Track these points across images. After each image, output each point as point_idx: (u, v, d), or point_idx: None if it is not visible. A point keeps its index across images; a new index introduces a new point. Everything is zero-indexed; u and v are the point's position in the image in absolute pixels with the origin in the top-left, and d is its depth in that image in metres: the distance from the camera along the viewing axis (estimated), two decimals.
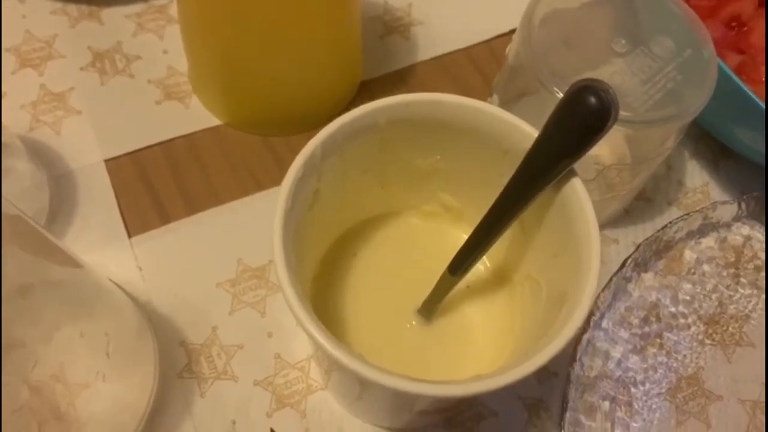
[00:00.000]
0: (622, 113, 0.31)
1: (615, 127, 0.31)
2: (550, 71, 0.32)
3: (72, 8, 0.44)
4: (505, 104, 0.37)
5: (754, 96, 0.34)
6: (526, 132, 0.27)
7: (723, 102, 0.35)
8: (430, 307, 0.31)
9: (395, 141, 0.29)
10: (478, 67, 0.45)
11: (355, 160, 0.29)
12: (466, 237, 0.33)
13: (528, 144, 0.26)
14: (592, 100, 0.23)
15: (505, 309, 0.32)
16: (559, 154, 0.25)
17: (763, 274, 0.39)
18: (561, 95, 0.32)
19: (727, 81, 0.35)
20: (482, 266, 0.33)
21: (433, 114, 0.28)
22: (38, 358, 0.26)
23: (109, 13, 0.44)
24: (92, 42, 0.43)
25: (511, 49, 0.36)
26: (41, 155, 0.39)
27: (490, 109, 0.27)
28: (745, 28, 0.40)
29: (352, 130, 0.27)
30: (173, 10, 0.44)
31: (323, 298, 0.32)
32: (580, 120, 0.24)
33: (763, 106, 0.34)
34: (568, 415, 0.32)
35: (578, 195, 0.25)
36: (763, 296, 0.38)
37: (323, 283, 0.33)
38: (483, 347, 0.32)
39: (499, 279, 0.33)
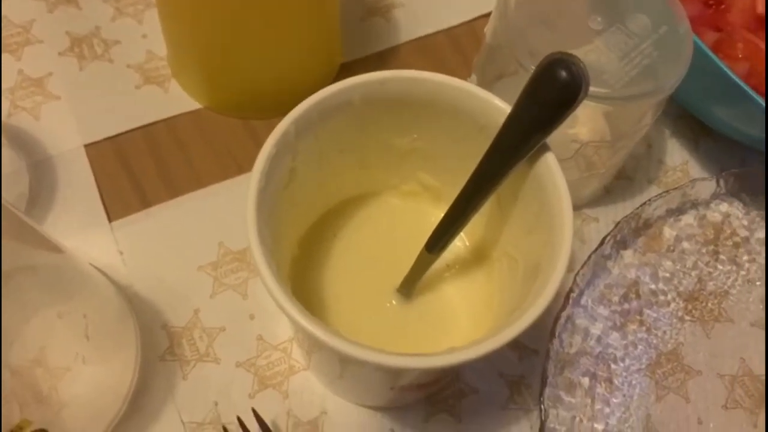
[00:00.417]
0: (599, 90, 0.31)
1: (592, 103, 0.32)
2: (527, 50, 0.32)
3: None
4: (484, 85, 0.37)
5: (731, 73, 0.35)
6: (500, 107, 0.27)
7: (700, 80, 0.35)
8: (409, 286, 0.32)
9: (371, 120, 0.29)
10: (459, 49, 0.45)
11: (332, 139, 0.29)
12: None
13: (502, 119, 0.26)
14: (563, 73, 0.23)
15: (483, 286, 0.32)
16: (532, 129, 0.25)
17: (742, 250, 0.39)
18: None
19: (704, 59, 0.35)
20: (461, 244, 0.34)
21: (409, 91, 0.28)
22: (17, 340, 0.26)
23: None
24: (70, 27, 0.42)
25: (489, 28, 0.36)
26: (20, 141, 0.39)
27: (464, 86, 0.27)
28: (723, 6, 0.40)
29: (326, 108, 0.27)
30: None
31: (303, 279, 0.32)
32: (550, 94, 0.24)
33: (739, 82, 0.34)
34: (547, 391, 0.33)
35: (551, 170, 0.26)
36: (742, 272, 0.39)
37: (303, 264, 0.33)
38: (463, 324, 0.32)
39: (478, 256, 0.33)
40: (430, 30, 0.45)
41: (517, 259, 0.29)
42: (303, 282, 0.32)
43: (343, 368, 0.30)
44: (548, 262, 0.24)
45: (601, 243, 0.36)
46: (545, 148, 0.26)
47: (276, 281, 0.23)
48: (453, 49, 0.45)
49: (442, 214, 0.33)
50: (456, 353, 0.22)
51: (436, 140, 0.30)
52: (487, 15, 0.46)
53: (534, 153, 0.26)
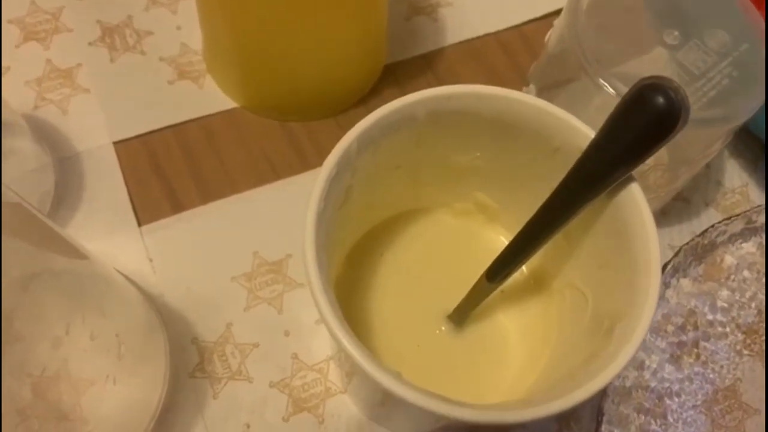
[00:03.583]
0: None
1: None
2: (596, 60, 0.30)
3: None
4: (542, 93, 0.35)
5: None
6: (581, 130, 0.25)
7: None
8: (463, 314, 0.30)
9: (433, 136, 0.27)
10: (508, 53, 0.43)
11: (389, 155, 0.27)
12: (501, 239, 0.32)
13: (581, 142, 0.24)
14: (660, 100, 0.21)
15: (539, 316, 0.30)
16: (619, 159, 0.23)
17: None
18: (607, 86, 0.30)
19: None
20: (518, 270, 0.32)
21: (478, 107, 0.26)
22: (43, 355, 0.24)
23: None
24: (101, 15, 0.40)
25: (553, 34, 0.34)
26: (46, 136, 0.37)
27: (540, 104, 0.25)
28: None
29: (389, 124, 0.25)
30: None
31: (347, 299, 0.30)
32: (645, 122, 0.22)
33: None
34: (603, 428, 0.31)
35: (637, 203, 0.23)
36: None
37: (347, 283, 0.31)
38: (516, 356, 0.30)
39: (536, 285, 0.31)
40: (477, 33, 0.43)
41: (585, 294, 0.27)
42: (347, 303, 0.30)
43: (386, 397, 0.28)
44: (630, 310, 0.22)
45: (662, 271, 0.34)
46: (630, 179, 0.24)
47: (341, 324, 0.20)
48: (502, 53, 0.43)
49: (498, 237, 0.31)
50: (531, 409, 0.20)
51: (499, 159, 0.28)
52: (539, 19, 0.44)
53: (617, 183, 0.24)
